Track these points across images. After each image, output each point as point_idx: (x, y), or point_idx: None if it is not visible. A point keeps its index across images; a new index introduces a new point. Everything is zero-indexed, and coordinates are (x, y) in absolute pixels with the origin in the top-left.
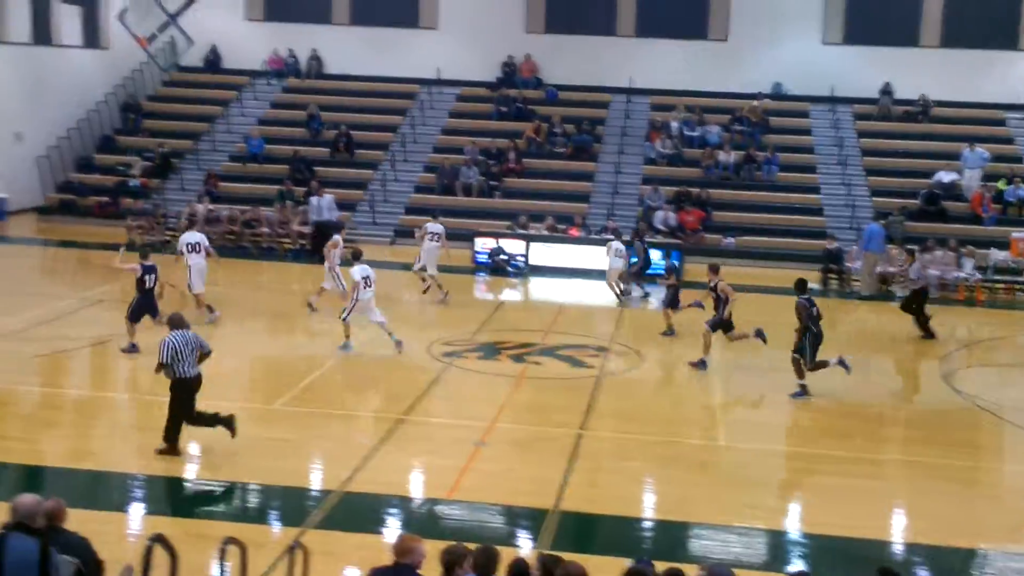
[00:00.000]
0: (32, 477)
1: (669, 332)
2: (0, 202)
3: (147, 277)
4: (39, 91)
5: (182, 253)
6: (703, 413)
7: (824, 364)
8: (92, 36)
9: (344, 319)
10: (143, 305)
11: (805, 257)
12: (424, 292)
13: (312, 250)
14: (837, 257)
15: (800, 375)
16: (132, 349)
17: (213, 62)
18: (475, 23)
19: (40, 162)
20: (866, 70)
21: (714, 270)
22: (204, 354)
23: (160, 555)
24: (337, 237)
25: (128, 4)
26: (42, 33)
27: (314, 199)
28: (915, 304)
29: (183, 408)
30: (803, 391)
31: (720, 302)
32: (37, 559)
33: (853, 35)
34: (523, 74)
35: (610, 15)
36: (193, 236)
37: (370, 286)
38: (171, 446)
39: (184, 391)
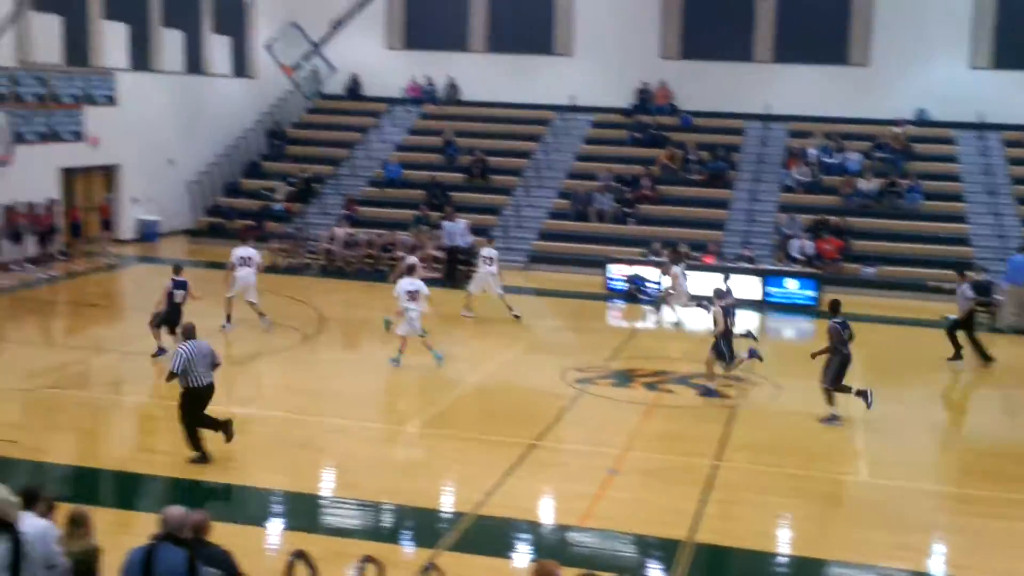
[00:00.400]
0: (180, 490)
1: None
2: (154, 224)
3: (176, 292)
4: (191, 119)
5: (234, 266)
6: (842, 446)
7: (847, 389)
8: (241, 65)
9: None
10: (167, 316)
11: (951, 289)
12: (516, 317)
13: (445, 275)
14: (986, 289)
15: (830, 402)
16: (160, 353)
17: (354, 90)
18: (610, 50)
19: (191, 187)
20: (1017, 95)
21: (718, 295)
22: (215, 364)
23: (300, 571)
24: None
25: (275, 34)
26: (194, 63)
27: (447, 224)
28: (961, 328)
29: (194, 415)
30: (834, 418)
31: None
32: (184, 570)
33: (1003, 59)
34: (658, 100)
35: (747, 40)
36: (246, 250)
37: (414, 300)
38: (200, 454)
39: (195, 400)
